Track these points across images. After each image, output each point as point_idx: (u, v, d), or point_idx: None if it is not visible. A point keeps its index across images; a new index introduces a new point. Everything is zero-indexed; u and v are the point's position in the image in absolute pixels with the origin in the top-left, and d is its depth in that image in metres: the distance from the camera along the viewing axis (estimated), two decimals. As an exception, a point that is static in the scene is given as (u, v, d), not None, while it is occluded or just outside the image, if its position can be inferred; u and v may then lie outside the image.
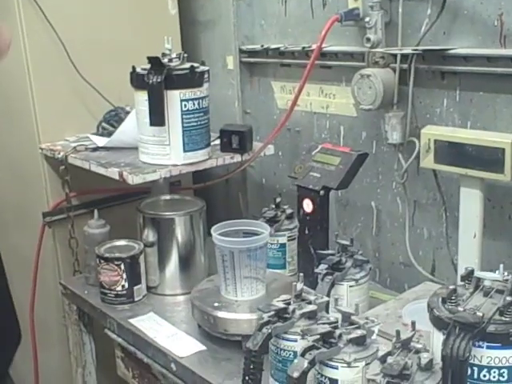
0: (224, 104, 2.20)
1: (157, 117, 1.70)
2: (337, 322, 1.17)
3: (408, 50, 1.62)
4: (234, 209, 2.31)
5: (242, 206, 2.29)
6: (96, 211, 1.90)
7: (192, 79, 1.73)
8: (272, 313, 1.24)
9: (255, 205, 2.24)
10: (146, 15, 2.15)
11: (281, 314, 1.25)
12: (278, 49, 2.01)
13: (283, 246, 1.81)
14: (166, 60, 1.72)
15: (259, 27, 2.09)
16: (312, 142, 1.98)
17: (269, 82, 2.12)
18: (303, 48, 1.90)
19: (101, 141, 1.94)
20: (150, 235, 1.80)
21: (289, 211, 1.90)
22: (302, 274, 1.36)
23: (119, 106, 2.03)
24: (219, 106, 2.13)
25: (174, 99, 1.72)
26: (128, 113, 1.96)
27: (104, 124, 2.02)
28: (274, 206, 1.92)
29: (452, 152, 1.50)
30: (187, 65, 1.73)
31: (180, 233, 1.80)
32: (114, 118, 2.01)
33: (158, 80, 1.67)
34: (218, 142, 1.91)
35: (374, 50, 1.67)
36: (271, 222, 1.84)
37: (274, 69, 2.08)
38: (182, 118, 1.73)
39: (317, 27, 1.88)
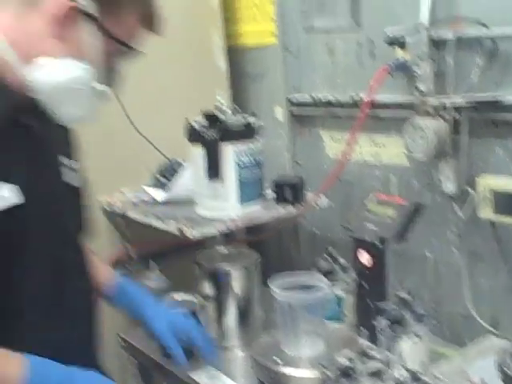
0: (274, 154, 2.23)
1: (213, 171, 1.74)
2: (404, 381, 1.17)
3: (459, 101, 1.62)
4: (286, 258, 2.32)
5: (295, 256, 2.30)
6: (154, 263, 1.93)
7: (246, 133, 1.77)
8: (337, 371, 1.24)
9: (307, 255, 2.25)
10: (197, 69, 2.21)
11: (345, 371, 1.25)
12: (326, 99, 2.03)
13: (340, 299, 1.81)
14: (220, 115, 1.76)
15: (307, 78, 2.12)
16: (363, 191, 1.99)
17: (318, 132, 2.14)
18: (352, 98, 1.92)
19: (157, 194, 1.98)
20: (207, 288, 1.82)
21: (343, 262, 1.90)
22: (363, 329, 1.36)
23: (173, 159, 2.07)
24: (269, 157, 2.14)
25: (229, 153, 1.75)
26: (182, 165, 2.00)
27: (158, 176, 2.06)
28: (328, 257, 1.93)
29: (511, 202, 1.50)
30: (241, 119, 1.77)
31: (237, 285, 1.81)
32: (169, 171, 2.04)
33: (214, 135, 1.72)
34: (270, 192, 1.93)
35: (424, 99, 1.68)
36: (326, 273, 1.84)
37: (323, 119, 2.11)
38: (237, 172, 1.77)
39: (365, 77, 1.90)
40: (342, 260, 1.91)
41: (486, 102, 1.60)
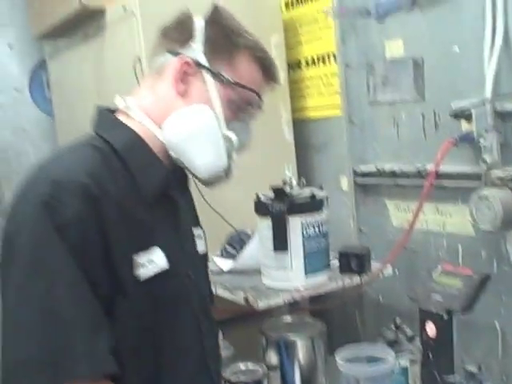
0: (339, 223, 2.25)
1: (280, 243, 1.77)
2: None
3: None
4: (351, 327, 2.30)
5: (359, 324, 2.28)
6: (221, 332, 1.95)
7: (312, 205, 1.80)
8: None
9: (372, 323, 2.23)
10: (264, 142, 2.26)
11: None
12: (391, 169, 2.05)
13: (405, 369, 1.77)
14: (287, 188, 1.80)
15: (372, 149, 2.16)
16: (429, 260, 1.99)
17: (383, 201, 2.16)
18: (417, 169, 1.94)
19: (225, 263, 2.02)
20: (272, 357, 1.83)
21: (409, 333, 1.88)
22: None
23: (241, 230, 2.12)
24: (334, 225, 2.16)
25: (296, 225, 1.78)
26: (249, 236, 2.04)
27: (227, 247, 2.10)
28: (393, 327, 1.91)
29: None
30: (307, 191, 1.81)
31: (302, 355, 1.81)
32: (237, 241, 2.09)
33: (281, 208, 1.75)
34: (336, 262, 1.94)
35: (490, 171, 1.68)
36: (392, 344, 1.82)
37: (388, 189, 2.13)
38: (304, 243, 1.79)
39: (430, 148, 1.92)
40: (407, 330, 1.89)
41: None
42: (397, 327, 1.91)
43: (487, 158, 1.67)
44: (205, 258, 1.41)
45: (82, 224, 1.04)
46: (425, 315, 1.68)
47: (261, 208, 1.84)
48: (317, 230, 1.82)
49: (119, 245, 1.09)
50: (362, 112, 2.17)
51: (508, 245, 1.69)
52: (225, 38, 1.24)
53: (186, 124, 1.19)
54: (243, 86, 1.24)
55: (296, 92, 2.42)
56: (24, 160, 3.06)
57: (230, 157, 1.27)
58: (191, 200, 1.43)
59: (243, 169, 2.18)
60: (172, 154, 1.21)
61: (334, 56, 2.23)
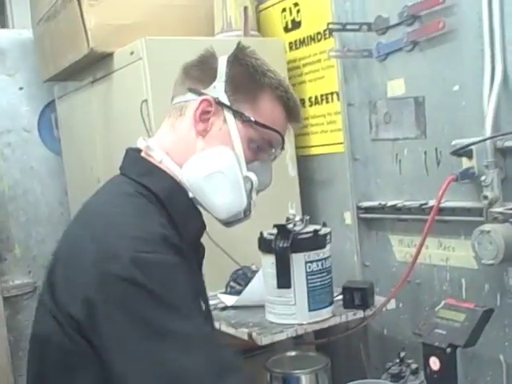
0: (342, 257, 2.27)
1: (284, 279, 1.79)
2: None
3: (527, 208, 1.65)
4: (356, 360, 2.31)
5: (364, 357, 2.29)
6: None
7: (316, 242, 1.82)
8: None
9: (377, 356, 2.25)
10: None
11: None
12: (394, 205, 2.09)
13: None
14: (291, 225, 1.83)
15: (375, 185, 2.20)
16: (433, 294, 2.01)
17: (386, 235, 2.19)
18: (421, 205, 1.97)
19: (229, 300, 2.04)
20: (278, 394, 1.84)
21: (414, 366, 1.89)
22: None
23: (245, 266, 2.15)
24: (338, 259, 2.18)
25: (299, 261, 1.81)
26: (254, 272, 2.07)
27: (232, 283, 2.13)
28: (398, 361, 1.93)
29: None
30: (311, 228, 1.84)
31: (307, 390, 1.82)
32: (242, 277, 2.12)
33: (285, 245, 1.78)
34: (340, 297, 1.96)
35: (492, 207, 1.71)
36: (396, 377, 1.84)
37: (392, 223, 2.16)
38: (307, 279, 1.81)
39: (432, 184, 1.96)
40: (411, 363, 1.91)
41: (553, 207, 1.62)
42: (401, 360, 1.93)
43: (488, 194, 1.70)
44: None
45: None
46: (428, 349, 1.69)
47: (264, 245, 1.86)
48: (320, 265, 1.84)
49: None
50: (365, 148, 2.21)
51: (510, 278, 1.71)
52: (248, 76, 1.23)
53: (206, 165, 1.19)
54: (265, 126, 1.23)
55: (300, 129, 2.47)
56: (31, 197, 3.11)
57: (249, 197, 1.27)
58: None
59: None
60: (190, 194, 1.22)
61: (337, 95, 2.28)
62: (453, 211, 1.90)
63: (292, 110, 1.28)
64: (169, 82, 2.21)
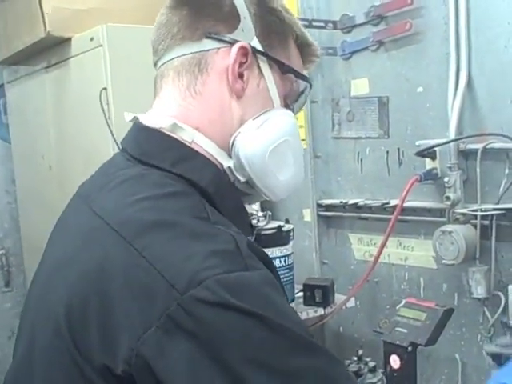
0: (301, 254, 2.27)
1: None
2: None
3: (490, 210, 1.68)
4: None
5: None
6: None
7: (280, 238, 1.82)
8: None
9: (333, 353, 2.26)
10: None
11: None
12: (354, 203, 2.10)
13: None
14: (254, 221, 1.82)
15: (336, 183, 2.20)
16: (391, 292, 2.04)
17: (346, 234, 2.20)
18: (383, 204, 1.99)
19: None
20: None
21: (371, 364, 1.91)
22: None
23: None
24: (296, 256, 2.19)
25: (262, 257, 1.80)
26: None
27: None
28: (356, 359, 1.94)
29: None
30: (275, 224, 1.83)
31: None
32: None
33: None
34: (300, 294, 1.97)
35: (454, 208, 1.74)
36: (354, 375, 1.85)
37: (351, 222, 2.17)
38: (269, 275, 1.81)
39: (393, 183, 1.98)
40: (369, 361, 1.92)
41: (514, 210, 1.66)
42: (359, 358, 1.95)
43: (451, 195, 1.73)
44: None
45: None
46: (389, 348, 1.71)
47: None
48: (283, 262, 1.85)
49: None
50: (327, 146, 2.22)
51: (470, 279, 1.74)
52: (276, 13, 0.97)
53: (269, 134, 0.92)
54: (303, 76, 0.99)
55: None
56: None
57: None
58: None
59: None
60: (242, 179, 0.92)
61: (299, 91, 2.28)
62: (413, 211, 1.92)
63: (314, 52, 1.05)
64: (130, 70, 2.20)
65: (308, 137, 2.23)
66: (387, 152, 2.01)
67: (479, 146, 1.70)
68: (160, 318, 0.70)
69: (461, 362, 1.88)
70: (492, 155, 1.71)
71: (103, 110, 2.12)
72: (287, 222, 1.90)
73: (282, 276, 1.83)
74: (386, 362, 1.71)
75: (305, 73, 1.03)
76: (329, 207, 2.23)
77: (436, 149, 1.79)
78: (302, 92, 1.02)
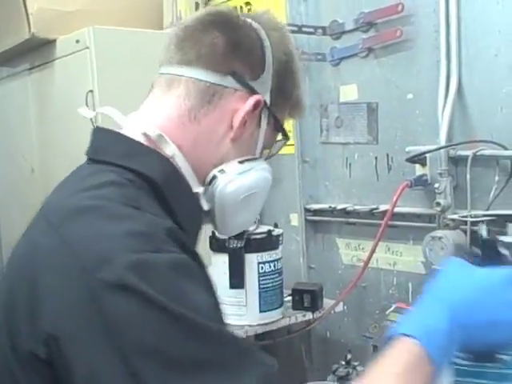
0: (287, 259, 2.26)
1: (236, 280, 1.78)
2: None
3: (480, 216, 1.70)
4: (297, 362, 2.32)
5: (306, 359, 2.30)
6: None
7: (269, 242, 1.82)
8: None
9: (319, 358, 2.26)
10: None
11: None
12: (342, 208, 2.11)
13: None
14: (245, 225, 1.81)
15: (323, 188, 2.21)
16: (379, 297, 2.05)
17: (333, 238, 2.21)
18: (371, 209, 2.00)
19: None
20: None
21: (360, 369, 1.92)
22: None
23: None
24: (283, 261, 2.20)
25: (252, 262, 1.80)
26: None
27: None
28: (344, 363, 1.95)
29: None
30: (264, 229, 1.83)
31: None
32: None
33: (239, 245, 1.77)
34: (289, 298, 1.97)
35: (444, 214, 1.76)
36: (343, 379, 1.86)
37: (339, 227, 2.18)
38: (259, 280, 1.81)
39: (382, 189, 2.00)
40: (357, 365, 1.94)
41: (504, 215, 1.68)
42: (347, 363, 1.96)
43: (441, 201, 1.75)
44: None
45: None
46: (379, 352, 1.72)
47: (216, 244, 1.84)
48: (272, 266, 1.85)
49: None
50: (315, 151, 2.22)
51: (459, 284, 1.75)
52: (291, 76, 1.01)
53: (246, 183, 0.96)
54: (286, 134, 1.04)
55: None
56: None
57: None
58: None
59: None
60: (205, 207, 0.95)
61: (287, 96, 2.28)
62: (402, 216, 1.94)
63: (301, 113, 1.09)
64: (116, 72, 2.19)
65: (296, 142, 2.23)
66: (376, 158, 2.02)
67: (469, 153, 1.72)
68: (73, 300, 0.72)
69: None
70: (482, 162, 1.73)
71: (90, 113, 2.10)
72: (276, 226, 1.90)
73: (271, 281, 1.83)
74: (376, 366, 1.72)
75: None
76: (316, 212, 2.23)
77: (426, 155, 1.81)
78: (279, 141, 1.06)
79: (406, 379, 0.81)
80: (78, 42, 2.16)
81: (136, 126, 0.93)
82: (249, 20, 0.98)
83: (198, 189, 0.94)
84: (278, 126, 1.00)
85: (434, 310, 0.87)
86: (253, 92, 0.94)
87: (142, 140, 0.92)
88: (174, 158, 0.92)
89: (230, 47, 0.94)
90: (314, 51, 2.13)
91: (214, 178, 0.94)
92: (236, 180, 0.94)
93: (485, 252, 1.57)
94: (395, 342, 0.84)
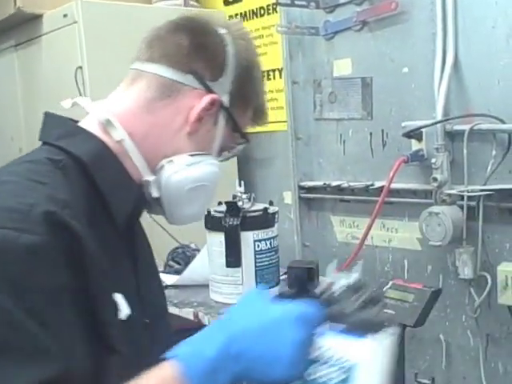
0: (281, 237, 2.23)
1: (233, 258, 1.75)
2: None
3: (477, 191, 1.69)
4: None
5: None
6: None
7: (265, 220, 1.79)
8: None
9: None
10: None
11: None
12: (337, 185, 2.08)
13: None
14: (240, 203, 1.78)
15: (317, 165, 2.18)
16: (374, 275, 2.03)
17: (327, 216, 2.18)
18: (367, 186, 1.97)
19: (169, 279, 1.97)
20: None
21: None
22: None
23: (184, 244, 2.08)
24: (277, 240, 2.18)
25: (248, 240, 1.77)
26: (194, 250, 2.01)
27: (171, 262, 2.06)
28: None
29: (532, 289, 1.54)
30: (260, 206, 1.80)
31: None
32: (181, 256, 2.05)
33: (235, 223, 1.74)
34: (284, 276, 1.94)
35: (441, 189, 1.74)
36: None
37: (333, 204, 2.16)
38: (255, 258, 1.78)
39: (377, 165, 1.97)
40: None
41: (501, 190, 1.66)
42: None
43: (438, 176, 1.73)
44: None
45: (51, 257, 0.79)
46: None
47: (212, 223, 1.81)
48: (269, 244, 1.81)
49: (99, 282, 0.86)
50: (308, 128, 2.19)
51: (457, 260, 1.74)
52: (252, 82, 1.06)
53: (194, 175, 1.00)
54: (246, 138, 1.08)
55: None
56: None
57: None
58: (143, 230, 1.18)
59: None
60: (154, 194, 0.99)
61: (280, 72, 2.24)
62: (398, 193, 1.92)
63: (261, 119, 1.12)
64: (106, 47, 2.14)
65: (289, 118, 2.20)
66: (370, 133, 2.00)
67: (466, 127, 1.70)
68: None
69: (445, 342, 1.89)
70: (479, 136, 1.71)
71: (79, 89, 2.06)
72: (271, 204, 1.87)
73: (267, 259, 1.80)
74: (373, 343, 1.71)
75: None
76: (310, 189, 2.20)
77: (422, 130, 1.78)
78: (239, 144, 1.11)
79: None
80: (65, 16, 2.11)
81: (95, 112, 0.99)
82: (218, 27, 1.04)
83: (148, 177, 0.99)
84: (236, 128, 1.05)
85: (211, 337, 0.85)
86: (210, 91, 1.01)
87: (95, 125, 0.97)
88: (123, 144, 0.97)
89: (193, 49, 1.00)
90: (307, 25, 2.09)
91: (162, 167, 0.99)
92: (183, 171, 0.99)
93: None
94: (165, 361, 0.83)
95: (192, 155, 1.01)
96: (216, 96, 1.00)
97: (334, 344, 0.88)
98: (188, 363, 0.81)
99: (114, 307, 0.89)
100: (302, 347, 0.84)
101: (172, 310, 1.82)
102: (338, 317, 0.90)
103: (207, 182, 1.03)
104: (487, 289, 1.71)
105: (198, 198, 1.03)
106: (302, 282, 1.44)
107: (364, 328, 0.90)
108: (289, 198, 2.26)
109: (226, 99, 1.02)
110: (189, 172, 1.00)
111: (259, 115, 1.11)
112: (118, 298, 0.91)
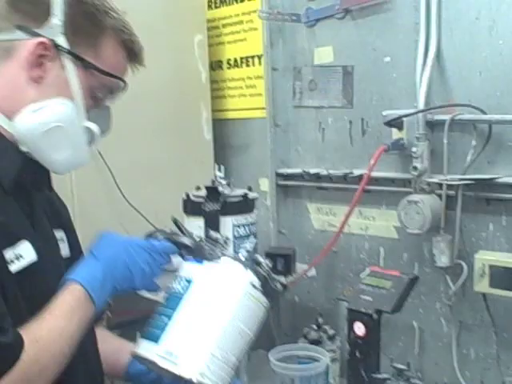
0: (257, 224, 2.24)
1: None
2: None
3: (456, 180, 1.71)
4: (264, 326, 2.30)
5: (273, 324, 2.29)
6: (138, 333, 1.88)
7: (245, 206, 1.79)
8: None
9: (288, 322, 2.26)
10: (183, 140, 2.22)
11: None
12: (315, 172, 2.09)
13: (326, 367, 1.81)
14: (220, 188, 1.78)
15: (295, 152, 2.18)
16: (349, 262, 2.05)
17: (304, 203, 2.19)
18: (345, 174, 1.98)
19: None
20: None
21: (331, 332, 1.93)
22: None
23: (160, 228, 2.06)
24: (253, 226, 2.18)
25: (227, 225, 1.77)
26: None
27: (147, 246, 2.04)
28: (315, 327, 1.95)
29: (509, 277, 1.57)
30: (240, 192, 1.80)
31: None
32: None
33: (215, 208, 1.73)
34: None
35: (420, 177, 1.75)
36: (314, 343, 1.86)
37: (310, 191, 2.16)
38: (234, 243, 1.78)
39: (356, 153, 1.98)
40: (329, 329, 1.94)
41: (479, 180, 1.69)
42: (318, 327, 1.96)
43: (418, 165, 1.74)
44: (69, 262, 1.18)
45: None
46: (354, 315, 1.72)
47: (191, 207, 1.80)
48: (248, 230, 1.82)
49: None
50: (287, 115, 2.19)
51: (434, 248, 1.76)
52: (90, 17, 1.09)
53: (42, 119, 1.06)
54: (108, 74, 1.11)
55: (217, 92, 2.40)
56: None
57: (90, 147, 1.16)
58: (56, 199, 1.27)
59: (160, 166, 2.16)
60: (23, 148, 1.06)
61: (259, 58, 2.24)
62: (376, 181, 1.93)
63: (137, 53, 1.17)
64: None
65: (268, 105, 2.19)
66: (350, 122, 2.01)
67: (447, 117, 1.72)
68: None
69: (418, 329, 1.92)
70: (459, 126, 1.73)
71: None
72: (250, 189, 1.87)
73: (246, 244, 1.80)
74: (350, 329, 1.72)
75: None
76: (287, 177, 2.20)
77: (403, 119, 1.80)
78: (112, 90, 1.16)
79: (69, 317, 1.03)
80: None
81: None
82: None
83: (16, 131, 1.06)
84: (88, 66, 1.09)
85: (93, 264, 1.11)
86: (37, 36, 1.05)
87: None
88: None
89: (10, 4, 1.06)
90: (289, 12, 2.09)
91: (18, 120, 1.05)
92: (29, 118, 1.05)
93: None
94: (64, 287, 1.06)
95: (36, 102, 1.06)
96: (43, 39, 1.05)
97: (185, 266, 1.22)
98: (89, 284, 1.06)
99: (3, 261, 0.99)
100: (148, 266, 1.17)
101: (146, 294, 1.80)
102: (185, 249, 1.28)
103: (60, 123, 1.07)
104: (463, 277, 1.73)
105: (59, 140, 1.08)
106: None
107: (202, 257, 1.23)
108: (265, 185, 2.25)
109: (62, 40, 1.06)
110: (35, 117, 1.05)
111: (130, 52, 1.15)
112: (24, 246, 1.03)
